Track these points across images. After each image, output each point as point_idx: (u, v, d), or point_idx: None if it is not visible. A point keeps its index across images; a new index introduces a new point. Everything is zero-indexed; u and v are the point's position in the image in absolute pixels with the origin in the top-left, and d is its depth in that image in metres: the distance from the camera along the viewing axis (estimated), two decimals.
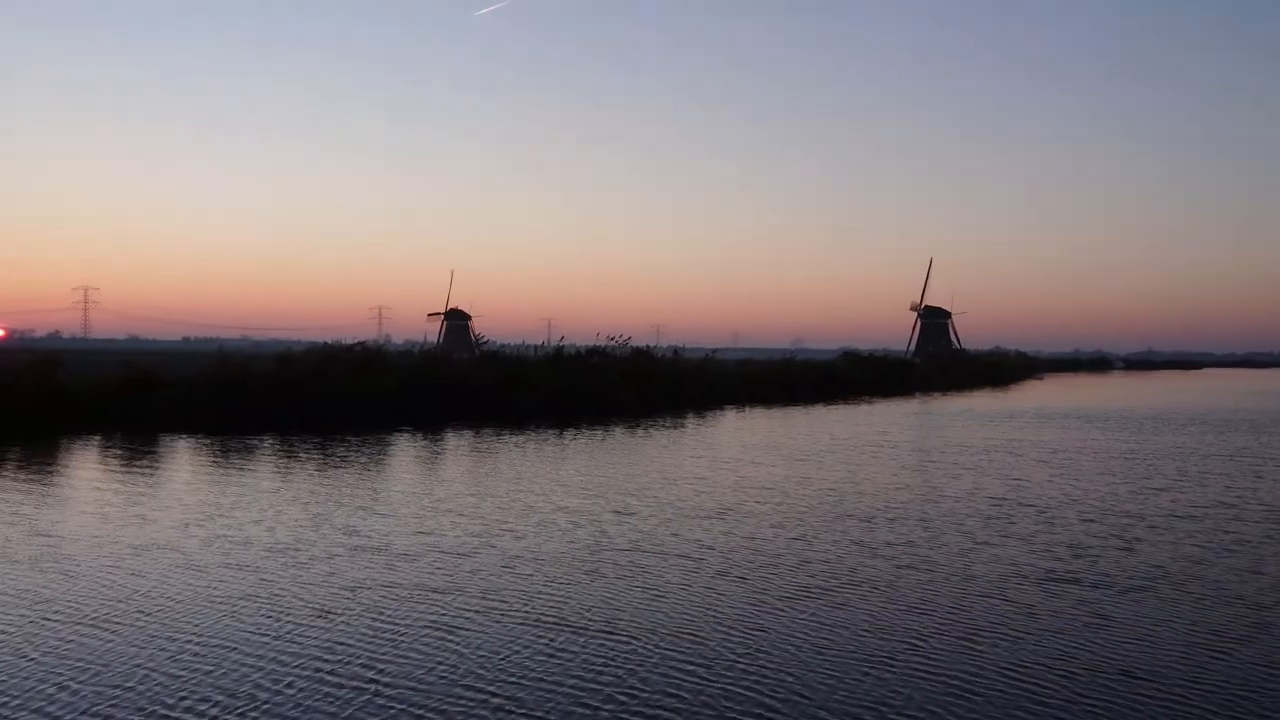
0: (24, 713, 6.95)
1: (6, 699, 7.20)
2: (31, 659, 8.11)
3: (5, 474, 19.51)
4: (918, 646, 8.74)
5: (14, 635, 8.75)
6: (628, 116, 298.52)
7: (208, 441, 25.76)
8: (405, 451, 24.81)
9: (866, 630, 9.23)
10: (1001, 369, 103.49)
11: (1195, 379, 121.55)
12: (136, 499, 16.56)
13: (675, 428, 33.71)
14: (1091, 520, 15.65)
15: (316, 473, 20.28)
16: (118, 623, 9.16)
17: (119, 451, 23.53)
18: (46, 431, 26.39)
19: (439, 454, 24.43)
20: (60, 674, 7.74)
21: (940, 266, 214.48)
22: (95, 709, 7.02)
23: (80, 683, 7.54)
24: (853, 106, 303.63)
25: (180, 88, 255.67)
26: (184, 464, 21.47)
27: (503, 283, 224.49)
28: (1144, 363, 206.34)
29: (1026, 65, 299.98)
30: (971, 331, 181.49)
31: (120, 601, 9.88)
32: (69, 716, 6.87)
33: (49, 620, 9.24)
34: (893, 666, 8.20)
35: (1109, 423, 39.43)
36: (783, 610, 9.91)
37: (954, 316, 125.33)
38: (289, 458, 22.78)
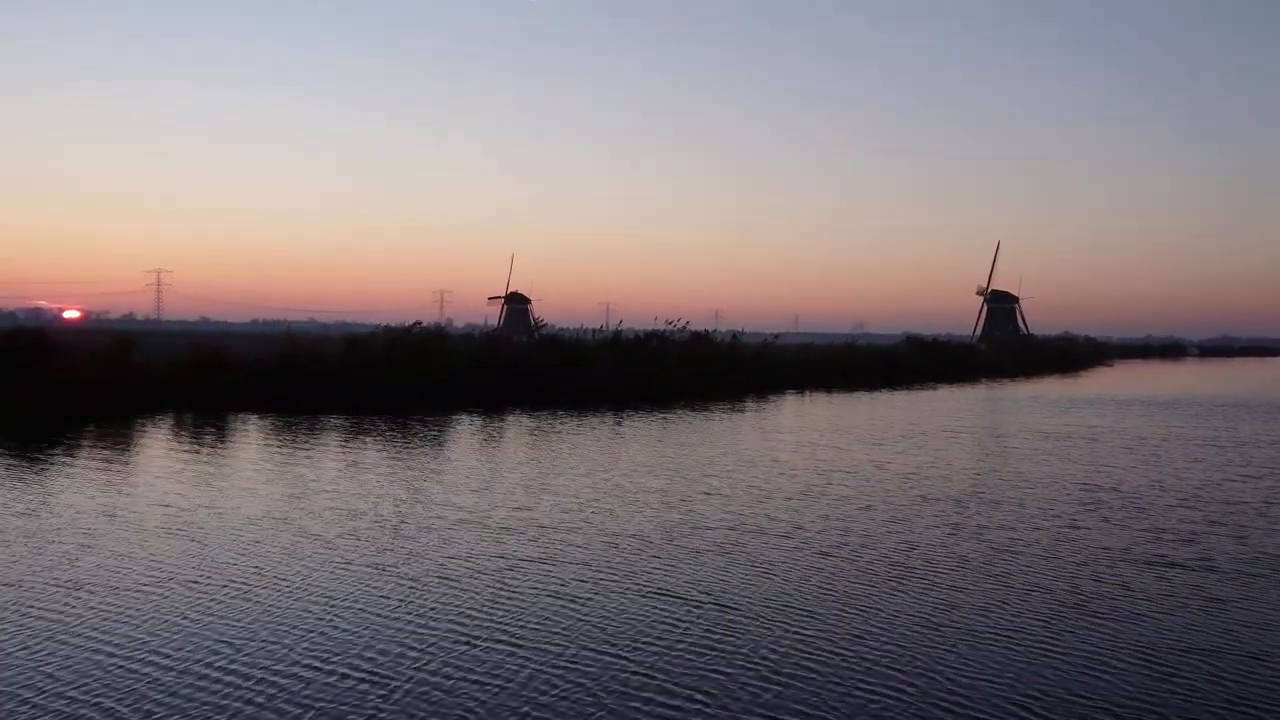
0: (201, 667, 7.42)
1: (184, 659, 7.68)
2: (190, 619, 8.62)
3: (104, 449, 20.46)
4: (1039, 626, 8.81)
5: (172, 600, 9.28)
6: (687, 100, 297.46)
7: (283, 421, 26.57)
8: (477, 432, 25.35)
9: (983, 610, 9.30)
10: (1071, 355, 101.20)
11: (1274, 366, 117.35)
12: (238, 474, 17.25)
13: (737, 412, 33.80)
14: (1189, 506, 15.41)
15: (400, 451, 20.87)
16: (259, 588, 9.66)
17: (200, 429, 24.42)
18: (121, 410, 27.26)
19: (510, 435, 24.91)
20: (221, 634, 8.22)
21: (1008, 250, 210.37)
22: (262, 666, 7.45)
23: (242, 640, 8.01)
24: (918, 87, 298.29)
25: (247, 74, 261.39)
26: (270, 441, 22.25)
27: (562, 266, 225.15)
28: (1219, 349, 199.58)
29: (1096, 45, 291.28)
30: (1039, 316, 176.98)
31: (255, 570, 10.39)
32: (237, 669, 7.32)
33: (196, 584, 9.78)
34: (1018, 644, 8.28)
35: (1188, 410, 38.44)
36: (893, 589, 10.02)
37: (1021, 301, 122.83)
38: (368, 436, 23.45)
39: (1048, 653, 8.10)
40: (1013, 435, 27.26)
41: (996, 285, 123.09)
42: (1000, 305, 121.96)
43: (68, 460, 18.51)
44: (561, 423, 27.95)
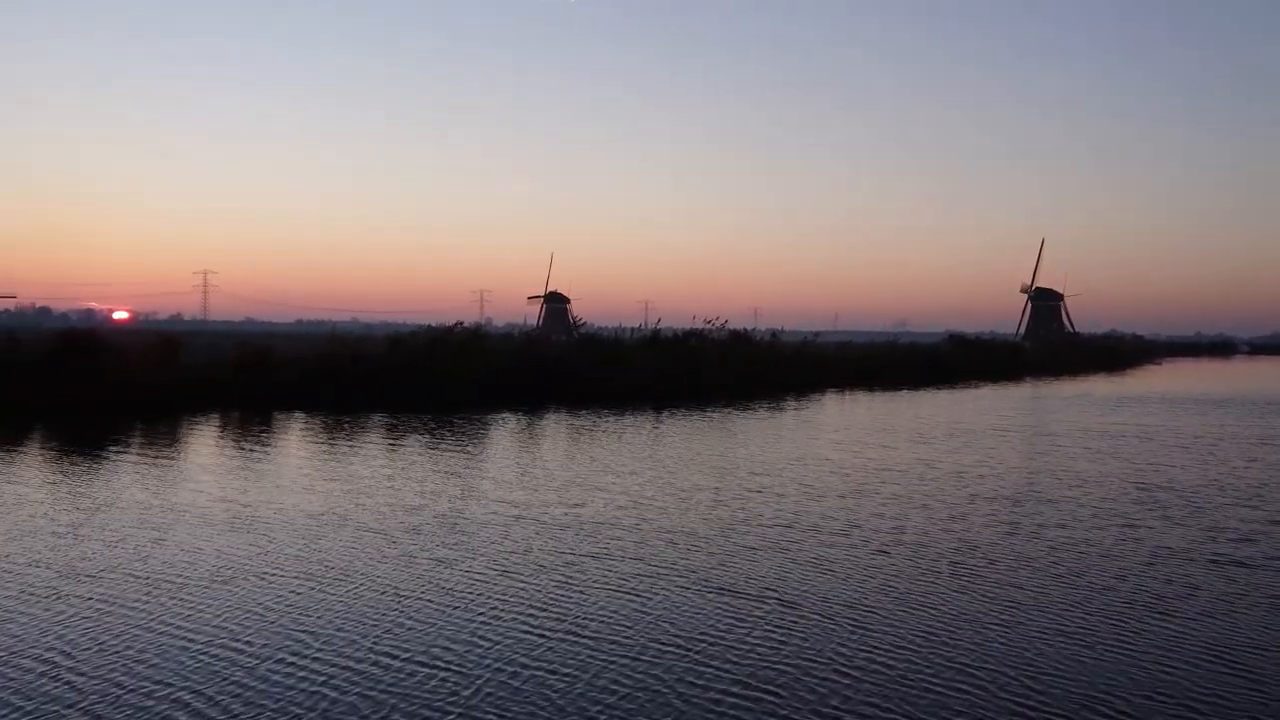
0: (280, 658, 7.62)
1: (262, 650, 7.89)
2: (264, 612, 8.84)
3: (161, 447, 20.95)
4: (1108, 625, 8.74)
5: (244, 593, 9.52)
6: (725, 98, 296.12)
7: (330, 419, 26.96)
8: (521, 430, 25.56)
9: (1049, 609, 9.24)
10: (1117, 353, 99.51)
11: None
12: (293, 470, 17.58)
13: (779, 410, 33.72)
14: (1249, 505, 15.15)
15: (448, 448, 21.12)
16: (329, 582, 9.86)
17: (250, 427, 24.87)
18: (171, 409, 27.81)
19: (555, 433, 25.08)
20: (295, 627, 8.42)
21: (1053, 246, 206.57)
22: (338, 657, 7.63)
23: (316, 632, 8.20)
24: (960, 81, 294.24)
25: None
26: (320, 439, 22.63)
27: (601, 265, 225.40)
28: (1271, 346, 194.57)
29: (1140, 37, 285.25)
30: (1085, 314, 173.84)
31: (322, 565, 10.61)
32: (314, 660, 7.51)
33: (267, 577, 10.01)
34: (1087, 644, 8.23)
35: (1241, 408, 37.64)
36: (956, 588, 9.98)
37: (1066, 299, 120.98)
38: (414, 434, 23.75)
39: (1119, 651, 8.03)
40: (1062, 434, 26.90)
41: (1041, 283, 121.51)
42: (1045, 303, 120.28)
43: (128, 457, 18.99)
44: (604, 421, 28.09)
